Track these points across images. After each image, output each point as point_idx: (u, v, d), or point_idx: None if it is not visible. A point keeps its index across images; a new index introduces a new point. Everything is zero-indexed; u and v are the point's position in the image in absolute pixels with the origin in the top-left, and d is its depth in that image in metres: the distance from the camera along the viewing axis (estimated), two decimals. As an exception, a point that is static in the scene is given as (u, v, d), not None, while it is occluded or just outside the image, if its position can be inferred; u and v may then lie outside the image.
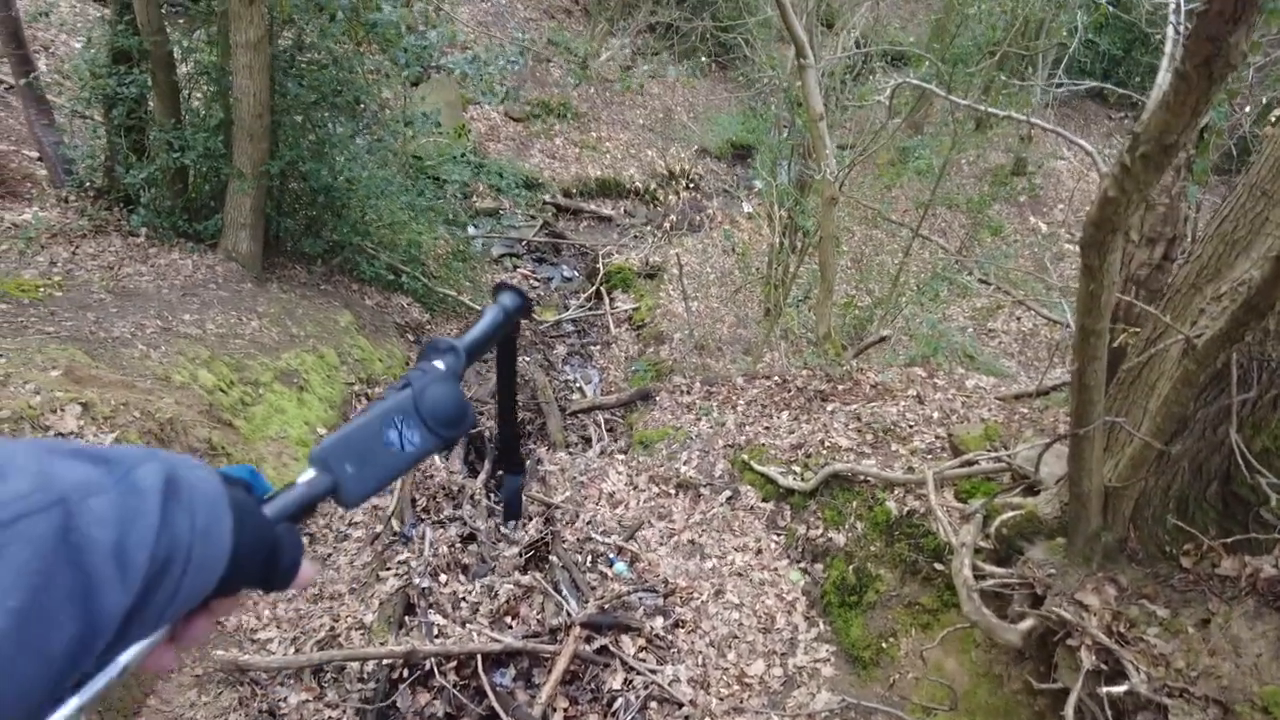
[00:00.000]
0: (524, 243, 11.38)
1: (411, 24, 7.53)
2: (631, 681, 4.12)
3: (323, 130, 7.71)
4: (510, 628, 4.42)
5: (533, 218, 11.92)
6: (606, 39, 14.99)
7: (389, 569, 4.81)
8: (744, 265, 9.33)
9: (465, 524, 5.22)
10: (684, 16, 14.62)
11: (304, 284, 7.67)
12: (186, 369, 5.40)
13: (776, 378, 6.63)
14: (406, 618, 4.51)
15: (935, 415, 5.76)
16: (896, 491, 4.97)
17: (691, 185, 12.84)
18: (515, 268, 10.88)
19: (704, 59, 15.38)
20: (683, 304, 9.00)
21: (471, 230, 10.98)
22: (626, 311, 9.68)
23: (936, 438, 5.50)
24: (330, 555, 4.99)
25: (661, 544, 4.97)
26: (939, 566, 4.39)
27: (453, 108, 11.85)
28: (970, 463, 4.98)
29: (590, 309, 9.93)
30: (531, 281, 10.64)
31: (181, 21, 7.41)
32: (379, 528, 5.18)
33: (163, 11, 7.00)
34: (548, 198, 12.34)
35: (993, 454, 4.88)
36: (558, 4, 16.15)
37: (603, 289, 10.26)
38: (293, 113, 7.45)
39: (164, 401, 4.87)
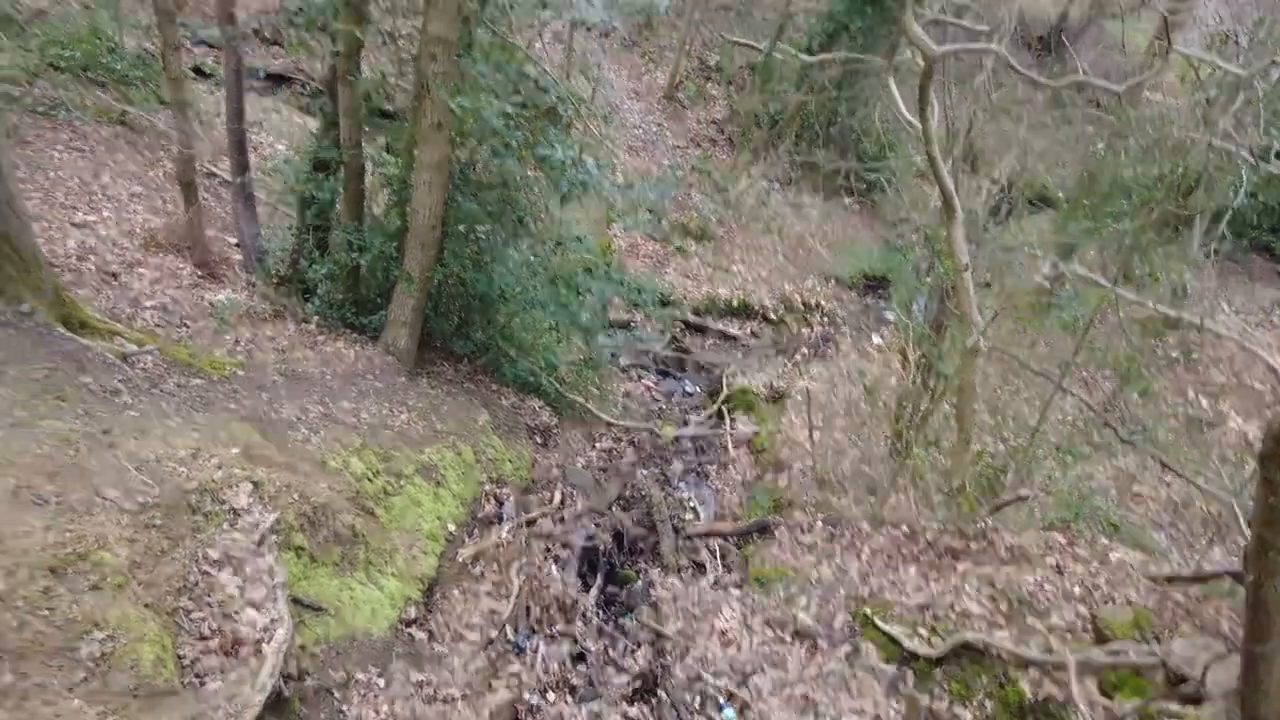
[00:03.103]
0: (651, 355, 11.70)
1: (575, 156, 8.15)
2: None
3: (485, 242, 8.34)
4: (613, 761, 4.34)
5: (662, 332, 12.28)
6: (748, 169, 15.63)
7: (500, 678, 4.86)
8: (872, 399, 9.21)
9: (576, 642, 5.23)
10: (828, 157, 15.10)
11: (450, 381, 8.15)
12: (340, 455, 5.80)
13: (905, 527, 6.42)
14: (513, 733, 4.52)
15: (1076, 590, 5.39)
16: (1032, 672, 4.64)
17: (821, 312, 12.92)
18: (640, 378, 11.15)
19: (846, 200, 15.73)
20: (806, 433, 8.92)
21: (603, 339, 11.41)
22: (747, 434, 9.68)
23: (1078, 616, 5.14)
24: (445, 655, 5.11)
25: (774, 694, 4.80)
26: (1080, 768, 4.03)
27: (599, 224, 12.59)
28: (1118, 652, 4.61)
29: (711, 427, 10.00)
30: (654, 395, 10.85)
31: (376, 139, 8.33)
32: (494, 632, 5.27)
33: (363, 129, 7.90)
34: (678, 314, 12.72)
35: (1145, 647, 4.51)
36: (704, 133, 17.05)
37: (724, 409, 10.34)
38: (460, 224, 8.12)
39: (319, 486, 5.23)
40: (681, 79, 17.34)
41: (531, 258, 8.93)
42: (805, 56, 13.59)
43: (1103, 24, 22.11)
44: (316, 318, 7.93)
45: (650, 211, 12.86)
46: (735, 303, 13.50)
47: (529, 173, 8.44)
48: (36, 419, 4.24)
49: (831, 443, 9.22)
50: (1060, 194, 13.55)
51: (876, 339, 12.33)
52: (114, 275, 8.18)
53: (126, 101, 11.46)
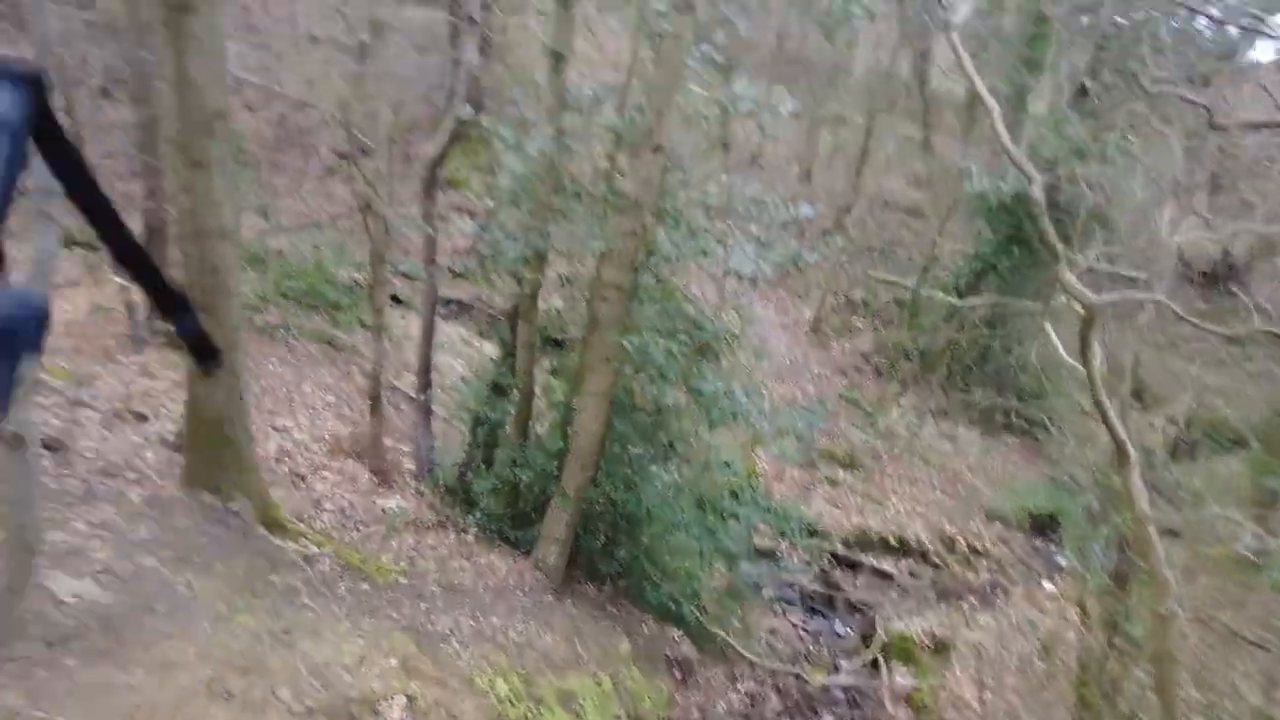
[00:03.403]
0: (798, 589, 11.18)
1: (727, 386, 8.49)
2: None
3: (636, 463, 8.59)
4: None
5: (808, 564, 11.80)
6: (898, 399, 15.57)
7: None
8: (1049, 658, 8.27)
9: None
10: (984, 394, 14.86)
11: (593, 602, 8.11)
12: (487, 675, 5.78)
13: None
14: None
15: None
16: None
17: (985, 554, 12.06)
18: (785, 613, 10.61)
19: (1006, 435, 15.22)
20: (975, 692, 8.04)
21: (747, 567, 11.09)
22: (906, 688, 8.83)
23: None
24: None
25: None
26: None
27: (746, 448, 12.71)
28: None
29: (865, 676, 9.22)
30: (801, 633, 10.24)
31: (548, 367, 9.06)
32: None
33: (536, 357, 8.64)
34: (826, 545, 12.25)
35: None
36: (850, 364, 17.32)
37: (880, 656, 9.55)
38: (615, 445, 8.46)
39: (465, 705, 5.20)
40: (827, 313, 17.98)
41: (679, 479, 9.07)
42: (954, 299, 13.83)
43: (1275, 260, 21.32)
44: (475, 529, 8.27)
45: (797, 438, 12.89)
46: (889, 537, 12.88)
47: (682, 399, 8.81)
48: (235, 613, 4.57)
49: (1004, 706, 8.23)
50: (1249, 434, 12.48)
51: (1049, 586, 11.27)
52: (302, 477, 8.98)
53: (334, 324, 13.17)
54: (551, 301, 10.12)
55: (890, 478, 14.40)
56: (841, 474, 14.14)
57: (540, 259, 8.28)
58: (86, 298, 11.04)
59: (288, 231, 14.51)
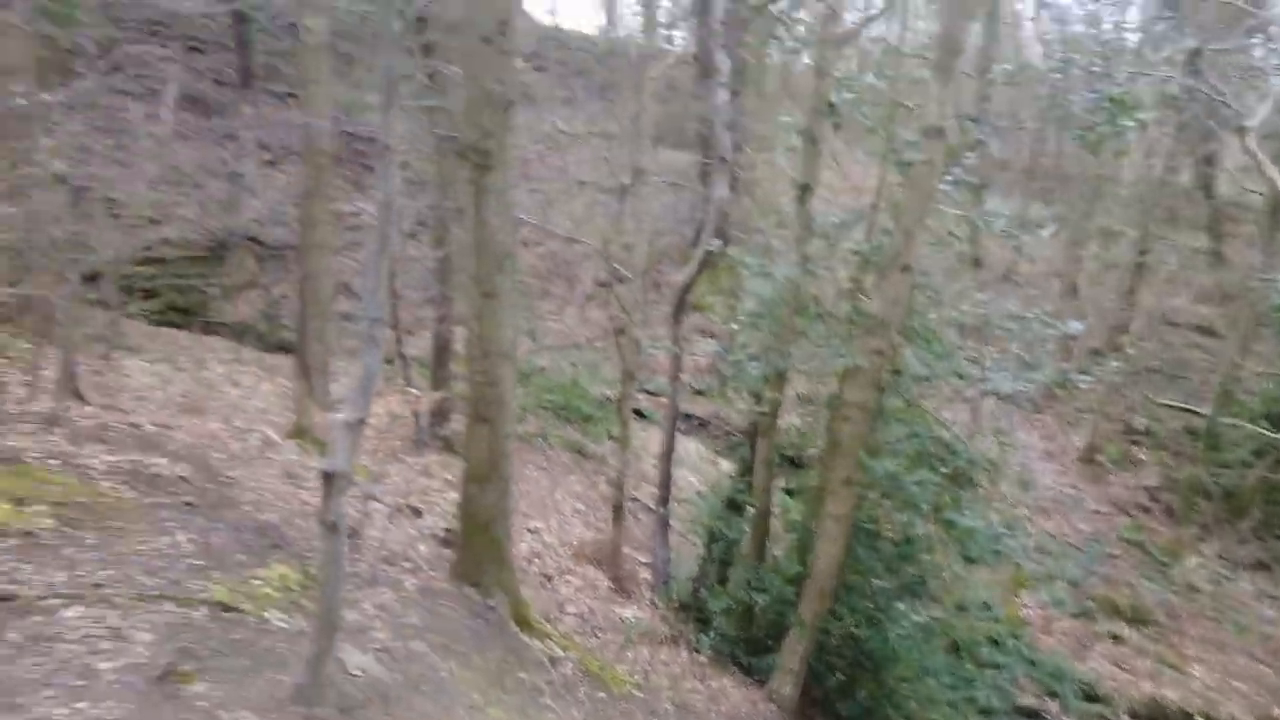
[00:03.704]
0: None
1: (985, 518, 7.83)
2: None
3: (881, 598, 8.07)
4: None
5: (1085, 733, 10.13)
6: (1196, 545, 13.29)
7: None
8: None
9: None
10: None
11: (830, 744, 7.55)
12: (718, 807, 5.55)
13: None
14: None
15: None
16: None
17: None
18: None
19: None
20: None
21: (1006, 728, 9.76)
22: None
23: None
24: None
25: None
26: None
27: (1006, 590, 11.44)
28: None
29: None
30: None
31: (783, 488, 8.95)
32: None
33: (773, 476, 8.58)
34: (1108, 713, 10.47)
35: None
36: (1132, 500, 15.16)
37: None
38: (857, 576, 8.03)
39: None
40: (1102, 441, 16.05)
41: (929, 620, 8.35)
42: (1265, 430, 11.78)
43: None
44: (709, 650, 8.15)
45: (1069, 583, 11.40)
46: (1195, 715, 10.76)
47: (933, 531, 8.23)
48: (488, 704, 4.86)
49: None
50: None
51: None
52: (549, 579, 9.47)
53: (585, 435, 14.07)
54: (790, 420, 10.08)
55: (1192, 640, 12.14)
56: (1126, 630, 12.18)
57: (780, 378, 8.36)
58: (384, 406, 12.81)
59: (550, 350, 15.98)
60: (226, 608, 4.75)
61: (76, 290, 8.56)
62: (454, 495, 8.41)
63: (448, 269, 11.81)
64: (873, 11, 12.91)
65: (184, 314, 16.58)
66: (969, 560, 7.30)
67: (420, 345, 14.41)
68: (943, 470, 7.43)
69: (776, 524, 8.83)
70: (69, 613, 4.11)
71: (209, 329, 16.68)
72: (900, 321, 7.65)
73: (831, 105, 8.91)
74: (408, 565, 7.20)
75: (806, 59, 16.31)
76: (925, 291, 8.37)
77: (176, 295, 16.46)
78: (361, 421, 4.03)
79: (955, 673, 8.47)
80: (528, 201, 20.21)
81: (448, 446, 11.68)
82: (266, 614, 4.94)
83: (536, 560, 9.76)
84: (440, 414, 11.81)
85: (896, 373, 7.98)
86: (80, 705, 3.34)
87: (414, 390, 10.58)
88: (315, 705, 4.00)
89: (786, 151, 11.57)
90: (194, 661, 4.03)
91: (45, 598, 4.18)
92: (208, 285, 16.82)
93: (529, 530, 10.56)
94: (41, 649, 3.74)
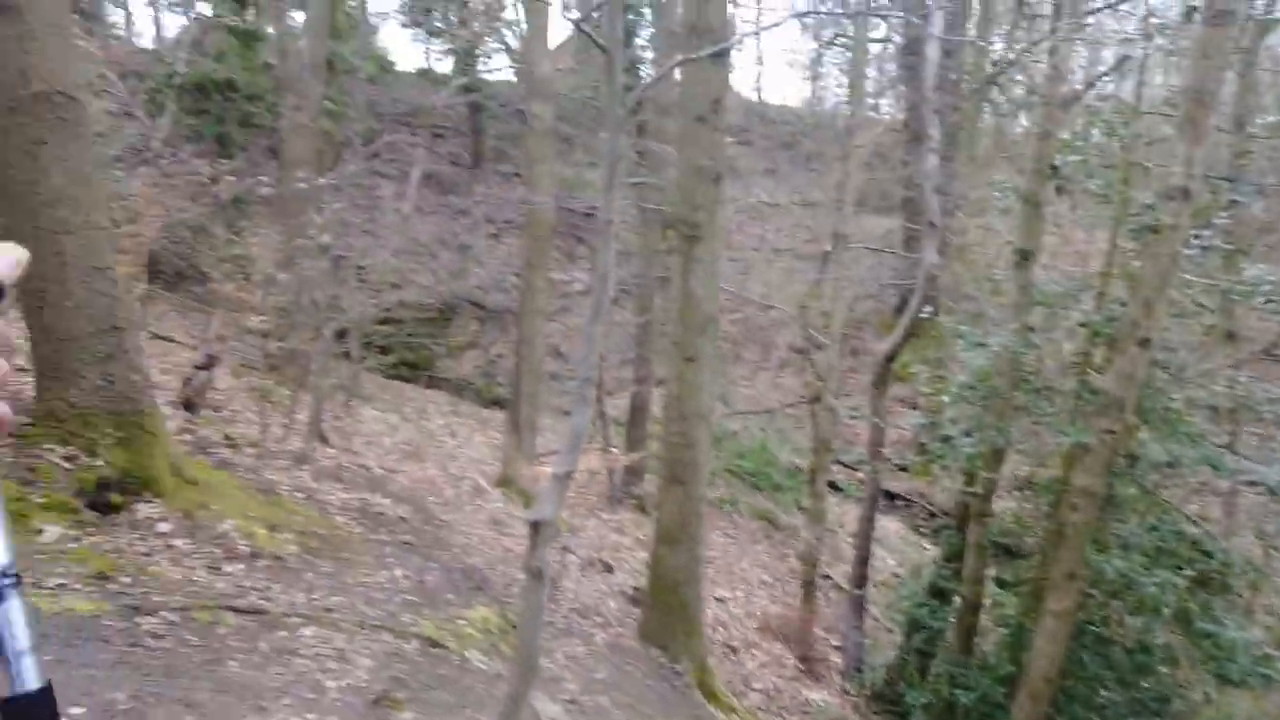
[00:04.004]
0: None
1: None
2: None
3: (1111, 713, 7.08)
4: None
5: None
6: None
7: None
8: None
9: None
10: None
11: None
12: None
13: None
14: None
15: None
16: None
17: None
18: None
19: None
20: None
21: None
22: None
23: None
24: None
25: None
26: None
27: (1274, 724, 9.57)
28: None
29: None
30: None
31: (995, 576, 8.18)
32: None
33: (986, 565, 7.88)
34: None
35: None
36: None
37: None
38: (1082, 684, 7.12)
39: None
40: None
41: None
42: None
43: None
44: (907, 747, 7.53)
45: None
46: None
47: (1178, 641, 7.15)
48: (669, 774, 4.78)
49: None
50: None
51: None
52: (734, 650, 9.23)
53: (774, 504, 13.76)
54: (1005, 504, 9.27)
55: None
56: None
57: (997, 456, 7.74)
58: (584, 463, 13.32)
59: (743, 415, 15.92)
60: (434, 644, 5.08)
61: (330, 346, 9.77)
62: (644, 554, 8.51)
63: (648, 334, 12.22)
64: (1101, 69, 12.07)
65: (413, 369, 18.38)
66: (1226, 681, 6.21)
67: (618, 406, 14.92)
68: (1187, 572, 6.47)
69: (986, 617, 8.07)
70: (306, 631, 4.58)
71: (433, 383, 18.35)
72: (1135, 401, 6.86)
73: (1054, 168, 8.37)
74: (599, 620, 7.34)
75: (1024, 120, 15.48)
76: (1167, 368, 7.48)
77: (408, 352, 18.32)
78: (569, 475, 4.20)
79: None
80: (727, 269, 20.56)
81: (640, 506, 11.89)
82: (468, 653, 5.22)
83: (721, 629, 9.57)
84: (635, 473, 12.08)
85: (1132, 457, 7.13)
86: (310, 717, 3.67)
87: (613, 449, 10.93)
88: (507, 747, 4.13)
89: (1002, 215, 10.93)
90: (405, 691, 4.32)
91: (289, 615, 4.68)
92: (435, 344, 18.57)
93: (715, 598, 10.41)
94: (283, 661, 4.18)
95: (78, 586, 4.12)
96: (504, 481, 10.35)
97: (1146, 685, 7.03)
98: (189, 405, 8.09)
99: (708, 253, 6.28)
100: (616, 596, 8.35)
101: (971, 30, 16.34)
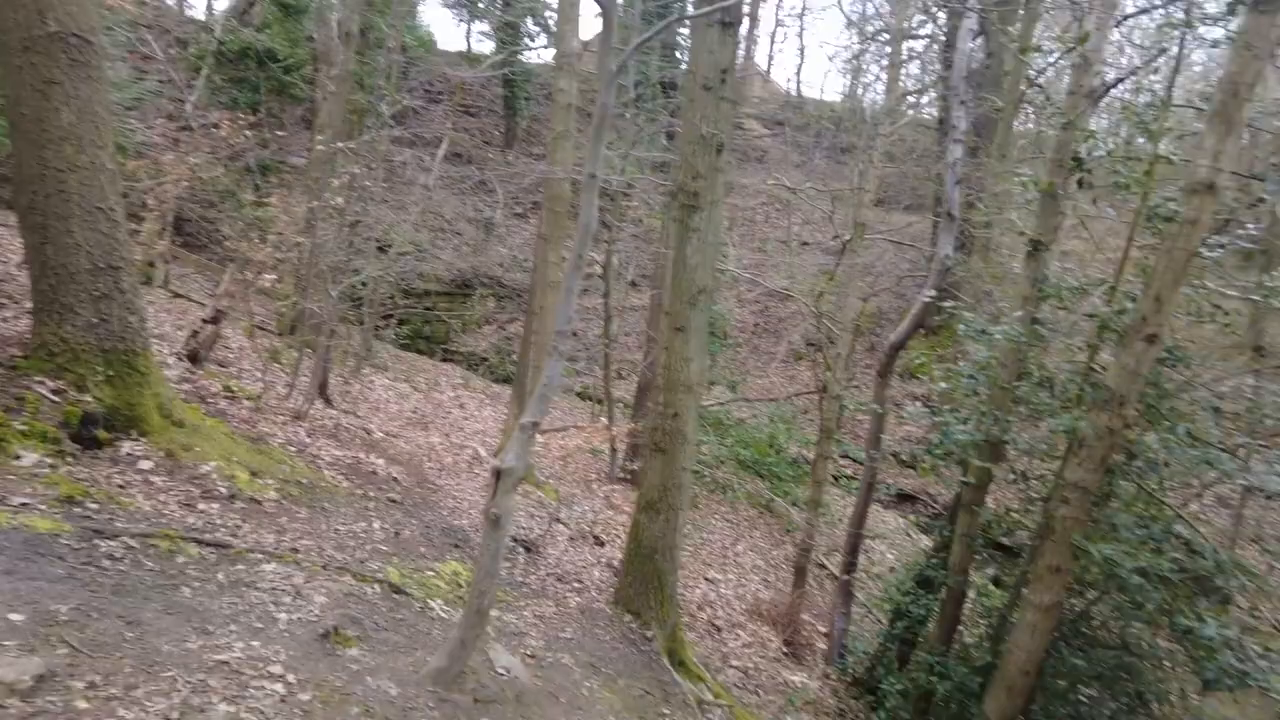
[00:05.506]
0: None
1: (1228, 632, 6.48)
2: None
3: (1087, 709, 6.95)
4: None
5: None
6: None
7: None
8: None
9: None
10: None
11: None
12: None
13: None
14: None
15: None
16: None
17: None
18: None
19: None
20: None
21: None
22: None
23: None
24: None
25: None
26: None
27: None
28: None
29: None
30: None
31: (984, 570, 8.06)
32: None
33: (973, 558, 7.76)
34: None
35: None
36: None
37: None
38: (1059, 680, 6.99)
39: None
40: None
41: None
42: None
43: None
44: (878, 733, 7.47)
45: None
46: None
47: (1161, 642, 6.99)
48: (620, 730, 4.80)
49: None
50: None
51: None
52: (718, 629, 9.23)
53: (775, 493, 13.68)
54: (1005, 499, 9.11)
55: None
56: None
57: (994, 448, 7.59)
58: (586, 439, 13.37)
59: (750, 404, 15.83)
60: (396, 589, 5.14)
61: (337, 309, 9.89)
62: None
63: (657, 315, 12.22)
64: (1136, 64, 11.73)
65: (428, 341, 18.58)
66: (1208, 685, 6.04)
67: (629, 388, 14.94)
68: (1178, 571, 6.30)
69: (970, 611, 7.95)
70: (267, 567, 4.66)
71: (447, 356, 18.53)
72: (1138, 398, 6.68)
73: (1078, 160, 8.13)
74: (577, 585, 7.38)
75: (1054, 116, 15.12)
76: (1178, 370, 7.26)
77: (424, 325, 18.51)
78: (535, 425, 4.22)
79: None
80: (748, 259, 20.45)
81: (637, 482, 11.91)
82: (432, 602, 5.28)
83: (708, 608, 9.57)
84: (635, 450, 12.09)
85: (1130, 456, 6.95)
86: (254, 644, 3.74)
87: (603, 420, 10.94)
88: (452, 689, 4.18)
89: (1025, 208, 10.68)
90: (356, 628, 4.39)
91: (253, 551, 4.77)
92: (451, 318, 18.74)
93: (706, 579, 10.41)
94: (238, 592, 4.26)
95: (42, 507, 4.23)
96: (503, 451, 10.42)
97: (1129, 685, 6.87)
98: (193, 357, 8.25)
99: (705, 222, 6.23)
100: (601, 568, 8.38)
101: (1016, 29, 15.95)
